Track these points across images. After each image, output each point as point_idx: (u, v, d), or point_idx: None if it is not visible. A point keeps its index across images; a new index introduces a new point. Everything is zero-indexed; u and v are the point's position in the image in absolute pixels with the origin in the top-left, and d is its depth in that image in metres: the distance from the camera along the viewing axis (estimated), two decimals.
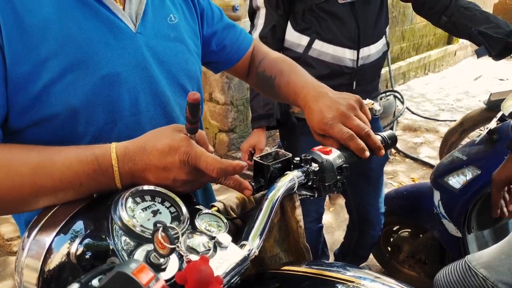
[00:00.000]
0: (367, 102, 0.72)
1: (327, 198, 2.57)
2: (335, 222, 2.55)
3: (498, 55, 1.40)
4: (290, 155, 0.64)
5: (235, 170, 0.53)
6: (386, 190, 2.12)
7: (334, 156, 0.63)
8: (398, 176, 3.15)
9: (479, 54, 1.45)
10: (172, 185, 0.53)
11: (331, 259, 1.95)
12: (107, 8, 0.61)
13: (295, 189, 0.61)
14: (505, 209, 1.03)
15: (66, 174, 0.51)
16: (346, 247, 1.84)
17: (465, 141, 2.55)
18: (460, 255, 1.41)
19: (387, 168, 3.25)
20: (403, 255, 1.85)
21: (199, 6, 0.80)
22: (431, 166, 3.19)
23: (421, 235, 1.78)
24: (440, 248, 1.69)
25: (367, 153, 0.65)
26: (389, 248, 1.95)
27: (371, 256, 1.93)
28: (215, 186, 0.87)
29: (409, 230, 1.86)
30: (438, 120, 4.29)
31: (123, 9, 0.64)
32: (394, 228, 1.93)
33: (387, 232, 1.93)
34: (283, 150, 0.65)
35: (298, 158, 0.64)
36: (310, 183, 0.63)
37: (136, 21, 0.65)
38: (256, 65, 0.89)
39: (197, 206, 0.56)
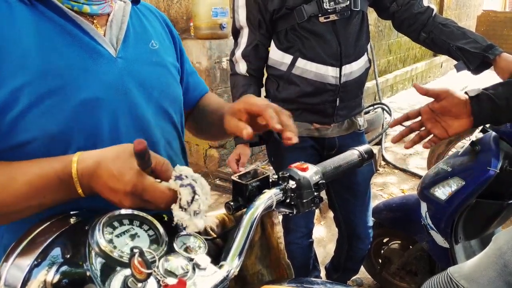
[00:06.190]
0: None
1: (317, 211, 2.58)
2: (326, 235, 2.55)
3: (476, 70, 1.44)
4: (268, 173, 0.65)
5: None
6: (376, 201, 2.14)
7: (310, 173, 0.65)
8: (388, 187, 3.17)
9: (458, 68, 1.49)
10: (120, 206, 0.54)
11: (323, 273, 1.94)
12: (88, 34, 0.63)
13: (273, 206, 0.62)
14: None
15: (28, 190, 0.53)
16: (337, 261, 1.84)
17: (452, 151, 2.59)
18: (449, 266, 1.42)
19: (377, 180, 3.28)
20: (394, 267, 1.86)
21: (178, 41, 0.83)
22: (420, 177, 3.22)
23: (410, 247, 1.80)
24: (429, 259, 1.71)
25: (278, 125, 0.61)
26: (380, 260, 1.96)
27: (362, 268, 1.93)
28: None
29: (399, 242, 1.87)
30: None
31: (104, 34, 0.66)
32: (384, 240, 1.94)
33: (378, 244, 1.94)
34: (261, 169, 0.67)
35: (276, 176, 0.65)
36: (288, 200, 0.64)
37: (117, 46, 0.66)
38: (198, 102, 0.93)
39: (176, 228, 0.57)
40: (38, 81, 0.56)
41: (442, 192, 1.52)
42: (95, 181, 0.53)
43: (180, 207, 0.53)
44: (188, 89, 0.88)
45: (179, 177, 0.54)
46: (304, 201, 0.63)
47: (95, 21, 0.65)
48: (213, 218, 0.65)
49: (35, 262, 0.45)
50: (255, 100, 0.65)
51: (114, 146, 0.57)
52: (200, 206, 0.53)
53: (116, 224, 0.50)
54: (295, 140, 0.61)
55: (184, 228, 0.53)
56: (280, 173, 0.65)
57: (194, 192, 0.53)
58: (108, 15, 0.68)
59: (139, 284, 0.45)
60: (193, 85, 0.90)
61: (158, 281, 0.47)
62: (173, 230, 0.55)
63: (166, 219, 0.57)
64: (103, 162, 0.53)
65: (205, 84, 0.95)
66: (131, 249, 0.43)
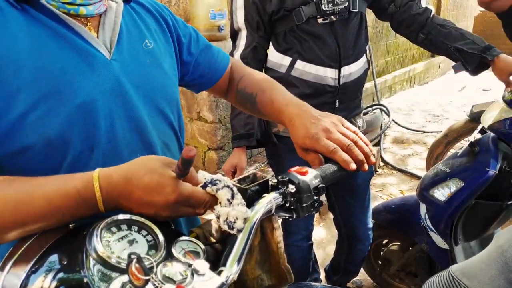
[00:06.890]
0: None
1: (316, 214, 2.58)
2: (326, 237, 2.55)
3: (474, 71, 1.44)
4: (268, 177, 0.65)
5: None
6: (375, 203, 2.13)
7: (310, 176, 0.64)
8: (387, 188, 3.17)
9: (456, 69, 1.49)
10: (153, 217, 0.54)
11: (322, 275, 1.94)
12: (81, 37, 0.62)
13: (273, 211, 0.62)
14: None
15: (47, 209, 0.51)
16: (336, 263, 1.84)
17: (450, 152, 2.59)
18: None
19: (376, 181, 3.27)
20: (394, 268, 1.86)
21: (174, 31, 0.81)
22: (419, 177, 3.22)
23: (410, 248, 1.79)
24: (429, 261, 1.70)
25: (353, 165, 0.67)
26: (380, 262, 1.95)
27: (362, 270, 1.93)
28: None
29: (399, 243, 1.87)
30: (424, 132, 4.35)
31: (97, 36, 0.65)
32: (384, 242, 1.94)
33: (377, 246, 1.94)
34: (260, 172, 0.66)
35: (275, 180, 0.65)
36: (287, 205, 0.63)
37: (110, 48, 0.66)
38: (236, 83, 0.90)
39: (174, 233, 0.56)
40: (33, 85, 0.56)
41: (441, 193, 1.52)
42: (126, 198, 0.52)
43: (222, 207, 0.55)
44: (204, 68, 0.87)
45: (212, 183, 0.56)
46: (304, 205, 0.62)
47: (89, 23, 0.65)
48: (213, 223, 0.64)
49: (32, 269, 0.45)
50: (319, 145, 0.69)
51: (138, 158, 0.56)
52: (241, 200, 0.56)
53: (114, 229, 0.50)
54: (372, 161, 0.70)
55: (234, 223, 0.54)
56: (279, 177, 0.64)
57: (232, 190, 0.56)
58: (100, 16, 0.67)
59: None
60: (208, 64, 0.88)
61: (156, 287, 0.46)
62: (172, 236, 0.55)
63: (165, 224, 0.57)
64: (134, 178, 0.52)
65: (224, 56, 0.92)
66: (129, 255, 0.42)
